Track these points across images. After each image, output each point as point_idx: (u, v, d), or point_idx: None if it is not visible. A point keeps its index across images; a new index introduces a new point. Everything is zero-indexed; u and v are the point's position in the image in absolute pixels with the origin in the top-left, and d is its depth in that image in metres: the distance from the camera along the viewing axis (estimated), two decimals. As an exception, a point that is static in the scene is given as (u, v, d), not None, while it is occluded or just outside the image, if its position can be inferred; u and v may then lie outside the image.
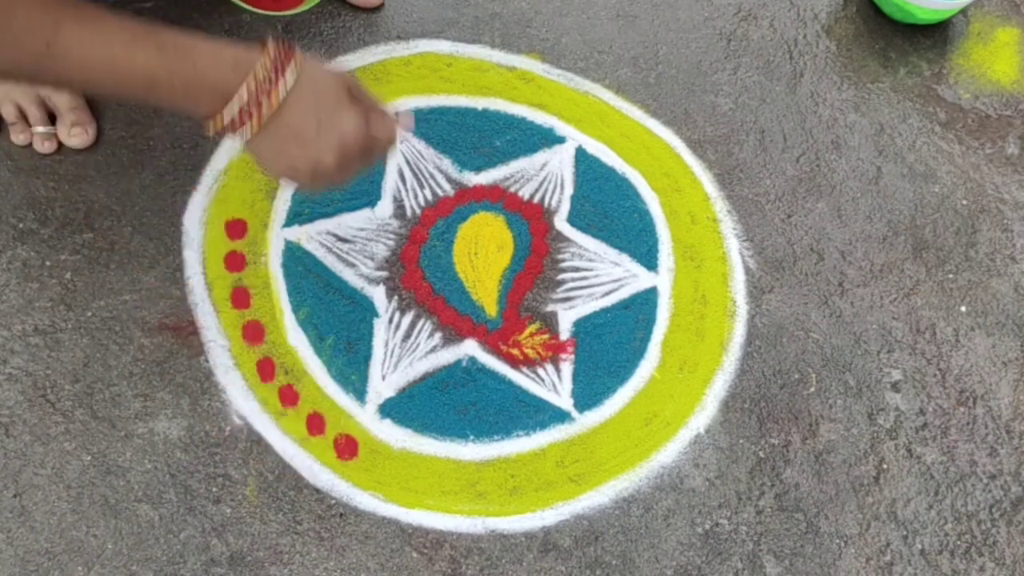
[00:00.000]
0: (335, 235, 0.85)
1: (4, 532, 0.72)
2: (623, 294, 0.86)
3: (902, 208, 0.94)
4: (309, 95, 0.64)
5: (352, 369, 0.80)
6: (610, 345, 0.84)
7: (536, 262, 0.86)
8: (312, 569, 0.73)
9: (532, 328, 0.84)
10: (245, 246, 0.83)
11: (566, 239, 0.88)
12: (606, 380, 0.83)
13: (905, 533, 0.81)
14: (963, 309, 0.91)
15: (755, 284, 0.89)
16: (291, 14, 0.59)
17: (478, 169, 0.89)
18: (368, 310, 0.82)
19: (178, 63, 0.60)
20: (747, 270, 0.89)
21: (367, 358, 0.81)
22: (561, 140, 0.92)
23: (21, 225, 0.81)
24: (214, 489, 0.75)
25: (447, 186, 0.88)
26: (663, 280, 0.88)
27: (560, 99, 0.94)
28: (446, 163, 0.89)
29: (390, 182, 0.88)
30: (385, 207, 0.87)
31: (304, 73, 0.63)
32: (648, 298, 0.87)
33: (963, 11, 1.06)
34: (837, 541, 0.80)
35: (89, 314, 0.79)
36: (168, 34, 0.60)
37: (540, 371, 0.82)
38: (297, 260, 0.83)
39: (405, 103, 0.91)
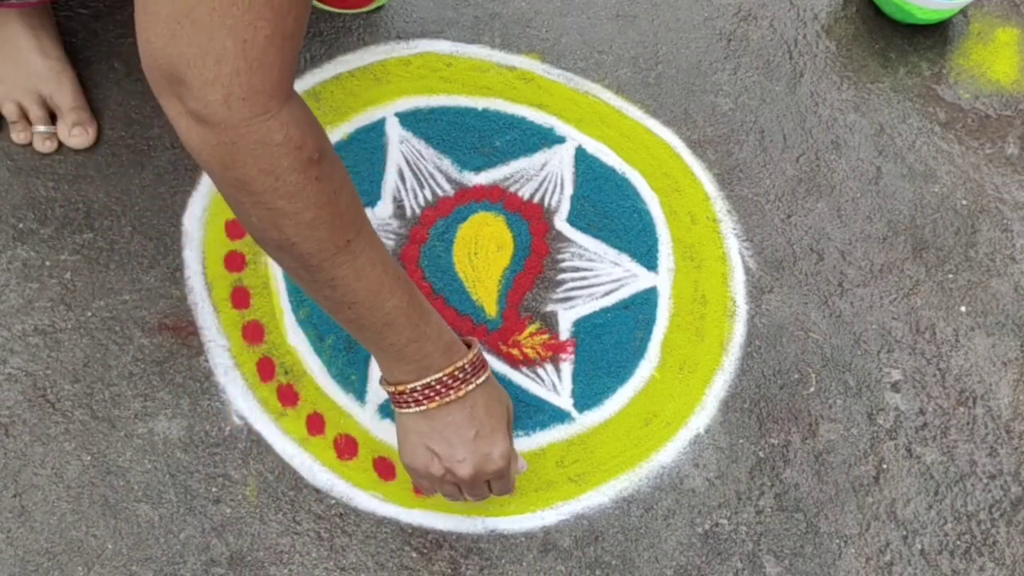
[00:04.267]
0: (335, 235, 0.85)
1: (4, 532, 0.72)
2: (623, 294, 0.86)
3: (902, 208, 0.94)
4: (481, 405, 0.66)
5: (352, 369, 0.80)
6: (610, 345, 0.84)
7: (536, 262, 0.86)
8: (312, 569, 0.73)
9: (532, 328, 0.84)
10: (245, 246, 0.83)
11: (566, 239, 0.88)
12: (606, 380, 0.83)
13: (905, 533, 0.81)
14: (963, 309, 0.91)
15: (755, 284, 0.89)
16: (364, 11, 0.60)
17: (478, 169, 0.89)
18: (368, 310, 0.82)
19: (415, 320, 0.62)
20: (747, 270, 0.89)
21: (367, 358, 0.81)
22: (561, 140, 0.92)
23: (21, 225, 0.81)
24: (214, 489, 0.75)
25: (447, 186, 0.88)
26: (663, 280, 0.88)
27: (560, 99, 0.94)
28: (446, 163, 0.89)
29: (390, 182, 0.88)
30: (385, 207, 0.87)
31: (487, 384, 0.67)
32: (648, 298, 0.87)
33: (963, 11, 1.06)
34: (837, 541, 0.80)
35: (89, 314, 0.79)
36: (416, 289, 0.63)
37: (540, 371, 0.82)
38: (297, 260, 0.83)
39: (405, 103, 0.91)
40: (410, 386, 0.64)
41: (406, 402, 0.65)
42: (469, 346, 0.68)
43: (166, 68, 0.48)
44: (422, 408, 0.65)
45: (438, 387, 0.64)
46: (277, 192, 0.52)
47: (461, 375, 0.65)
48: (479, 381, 0.66)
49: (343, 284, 0.58)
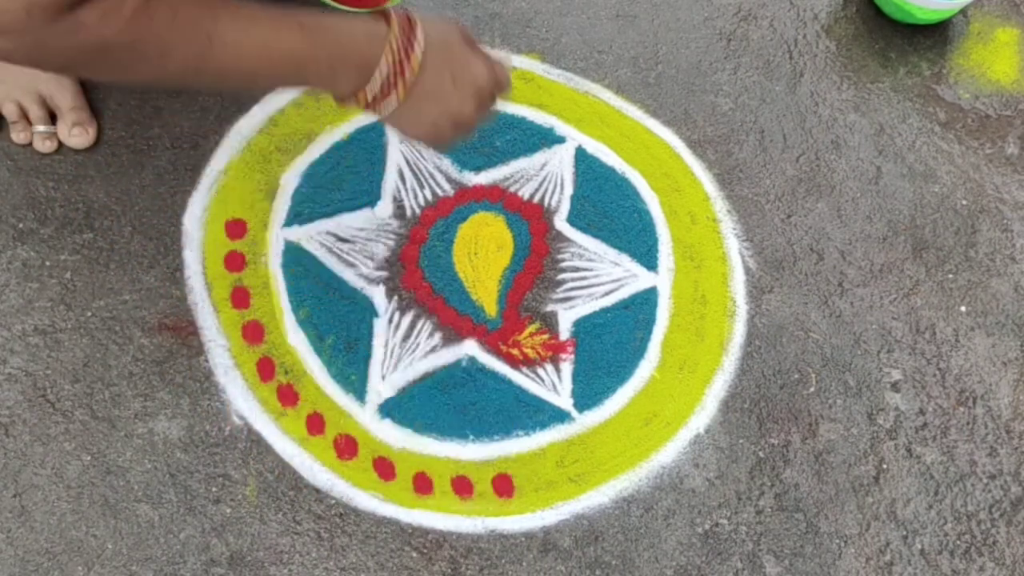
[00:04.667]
0: (335, 235, 0.85)
1: (4, 532, 0.72)
2: (623, 294, 0.86)
3: (902, 208, 0.94)
4: (438, 53, 0.64)
5: (352, 369, 0.80)
6: (610, 345, 0.84)
7: (536, 262, 0.86)
8: (312, 569, 0.73)
9: (532, 328, 0.84)
10: (245, 246, 0.83)
11: (566, 239, 0.88)
12: (606, 380, 0.83)
13: (905, 533, 0.81)
14: (963, 309, 0.91)
15: (755, 284, 0.89)
16: (380, 9, 0.62)
17: (478, 169, 0.89)
18: (368, 310, 0.82)
19: (321, 41, 0.60)
20: (747, 270, 0.89)
21: (367, 358, 0.81)
22: (561, 140, 0.92)
23: (21, 225, 0.81)
24: (214, 489, 0.75)
25: (447, 186, 0.88)
26: (663, 280, 0.88)
27: (560, 99, 0.94)
28: (446, 163, 0.89)
29: (390, 182, 0.88)
30: (385, 207, 0.87)
31: (426, 30, 0.63)
32: (648, 298, 0.87)
33: (963, 11, 1.06)
34: (837, 541, 0.80)
35: (89, 314, 0.79)
36: (304, 15, 0.60)
37: (540, 371, 0.82)
38: (297, 260, 0.83)
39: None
40: (367, 91, 0.62)
41: (378, 105, 0.63)
42: (385, 16, 0.64)
43: None
44: (399, 97, 0.63)
45: (392, 77, 0.62)
46: (110, 56, 0.51)
47: (402, 51, 0.62)
48: (419, 38, 0.62)
49: (231, 68, 0.57)
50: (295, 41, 0.59)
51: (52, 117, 0.84)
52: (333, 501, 0.76)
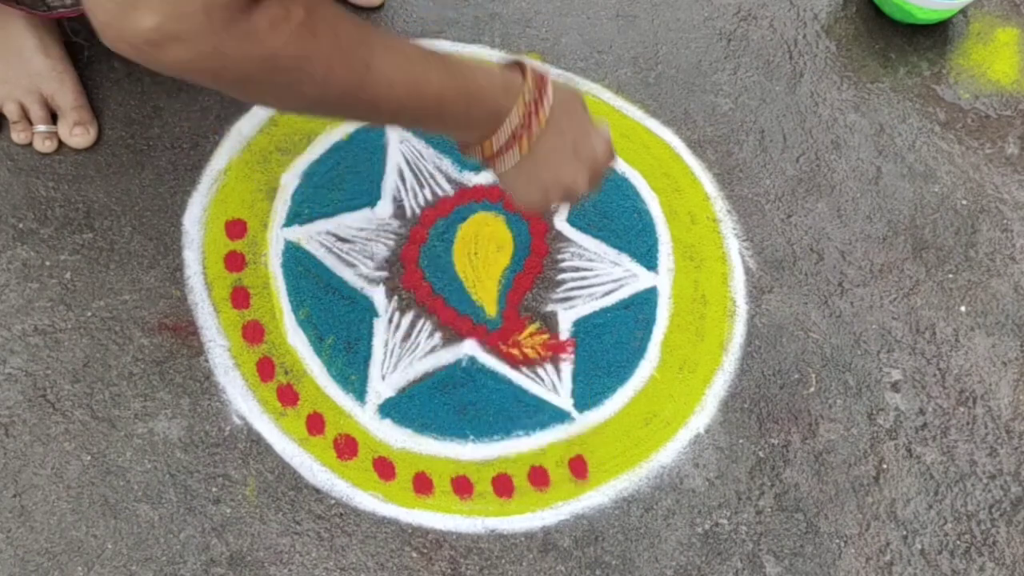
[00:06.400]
0: (335, 235, 0.85)
1: (4, 532, 0.72)
2: (623, 294, 0.86)
3: (902, 208, 0.94)
4: (563, 115, 0.64)
5: (352, 369, 0.80)
6: (610, 345, 0.84)
7: (536, 262, 0.86)
8: (312, 569, 0.73)
9: (532, 328, 0.84)
10: (245, 246, 0.83)
11: (566, 239, 0.88)
12: (606, 380, 0.83)
13: (905, 533, 0.81)
14: (963, 309, 0.91)
15: (755, 284, 0.89)
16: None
17: (478, 169, 0.89)
18: (368, 310, 0.82)
19: (463, 83, 0.59)
20: (747, 270, 0.89)
21: (367, 358, 0.81)
22: (561, 140, 0.92)
23: (21, 225, 0.81)
24: (214, 489, 0.75)
25: (447, 186, 0.88)
26: (663, 280, 0.88)
27: (560, 99, 0.94)
28: (446, 163, 0.89)
29: (390, 182, 0.88)
30: (385, 207, 0.87)
31: (557, 92, 0.63)
32: (648, 298, 0.87)
33: (963, 11, 1.06)
34: (837, 541, 0.80)
35: (89, 314, 0.79)
36: (448, 56, 0.60)
37: (540, 371, 0.82)
38: (297, 260, 0.83)
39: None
40: (494, 140, 0.62)
41: (500, 157, 0.63)
42: (520, 67, 0.64)
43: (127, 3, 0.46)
44: (522, 149, 0.63)
45: (519, 130, 0.62)
46: (281, 70, 0.51)
47: (532, 107, 0.62)
48: (550, 97, 0.62)
49: (383, 100, 0.57)
50: (441, 79, 0.59)
51: (53, 117, 0.84)
52: (333, 501, 0.76)
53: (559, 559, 0.76)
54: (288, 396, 0.78)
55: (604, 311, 0.85)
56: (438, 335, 0.82)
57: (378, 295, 0.83)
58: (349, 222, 0.85)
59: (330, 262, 0.84)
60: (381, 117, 0.60)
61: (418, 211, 0.87)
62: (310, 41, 0.51)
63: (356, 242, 0.85)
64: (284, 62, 0.50)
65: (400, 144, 0.89)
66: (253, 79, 0.51)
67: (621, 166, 0.92)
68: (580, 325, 0.85)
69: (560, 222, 0.88)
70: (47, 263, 0.80)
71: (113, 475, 0.74)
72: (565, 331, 0.84)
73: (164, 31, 0.46)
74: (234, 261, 0.83)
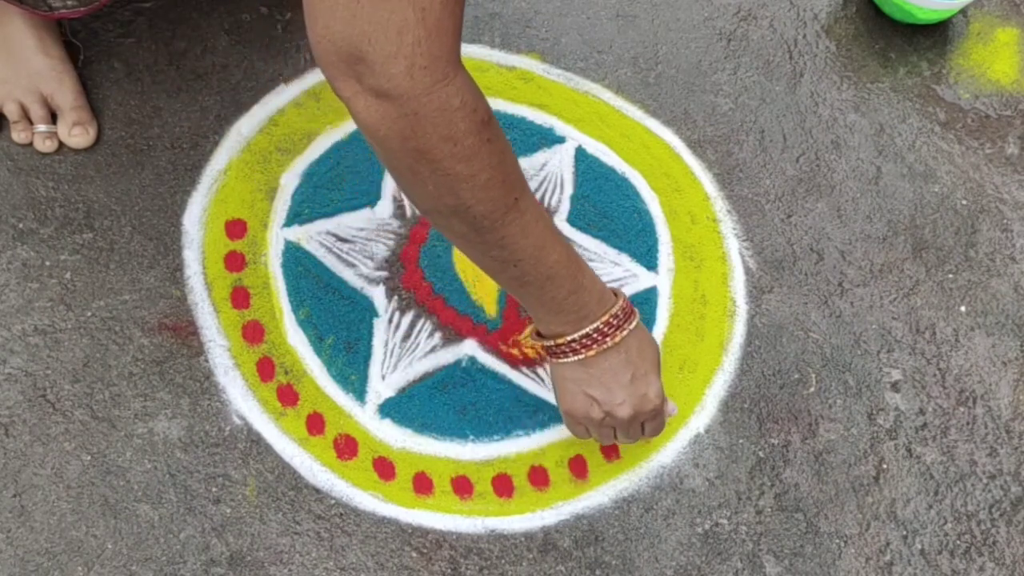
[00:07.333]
0: (335, 235, 0.85)
1: (4, 532, 0.72)
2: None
3: (902, 208, 0.94)
4: (635, 348, 0.68)
5: (352, 369, 0.80)
6: (610, 345, 0.84)
7: (536, 262, 0.86)
8: (312, 569, 0.73)
9: (532, 328, 0.84)
10: (245, 246, 0.83)
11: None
12: (606, 380, 0.83)
13: (905, 533, 0.81)
14: (963, 309, 0.91)
15: (755, 284, 0.89)
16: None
17: (478, 169, 0.89)
18: (368, 310, 0.82)
19: (575, 271, 0.64)
20: (747, 270, 0.89)
21: (367, 358, 0.81)
22: (561, 140, 0.92)
23: (21, 225, 0.81)
24: (214, 489, 0.75)
25: (447, 186, 0.88)
26: (663, 280, 0.88)
27: (560, 99, 0.94)
28: (446, 163, 0.89)
29: (390, 182, 0.88)
30: (385, 207, 0.87)
31: (638, 328, 0.68)
32: (648, 298, 0.87)
33: (963, 11, 1.06)
34: (837, 541, 0.80)
35: (89, 314, 0.79)
36: (570, 244, 0.64)
37: (540, 371, 0.82)
38: (297, 260, 0.83)
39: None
40: (568, 337, 0.66)
41: (564, 352, 0.67)
42: (616, 293, 0.68)
43: (346, 50, 0.49)
44: (580, 357, 0.66)
45: (595, 336, 0.65)
46: (455, 157, 0.53)
47: (615, 322, 0.66)
48: (631, 327, 0.67)
49: (511, 242, 0.59)
50: (561, 255, 0.62)
51: (52, 117, 0.84)
52: (333, 501, 0.76)
53: (559, 559, 0.76)
54: (288, 396, 0.78)
55: (604, 311, 0.85)
56: (438, 335, 0.82)
57: (378, 295, 0.83)
58: (349, 222, 0.85)
59: (330, 262, 0.84)
60: (495, 262, 0.62)
61: (418, 211, 0.87)
62: (486, 144, 0.54)
63: (356, 242, 0.85)
64: (461, 143, 0.53)
65: (400, 144, 0.89)
66: (432, 156, 0.53)
67: (621, 166, 0.92)
68: (580, 325, 0.84)
69: (560, 222, 0.88)
70: (47, 263, 0.80)
71: (113, 475, 0.74)
72: (565, 331, 0.84)
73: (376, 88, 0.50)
74: (234, 261, 0.83)
